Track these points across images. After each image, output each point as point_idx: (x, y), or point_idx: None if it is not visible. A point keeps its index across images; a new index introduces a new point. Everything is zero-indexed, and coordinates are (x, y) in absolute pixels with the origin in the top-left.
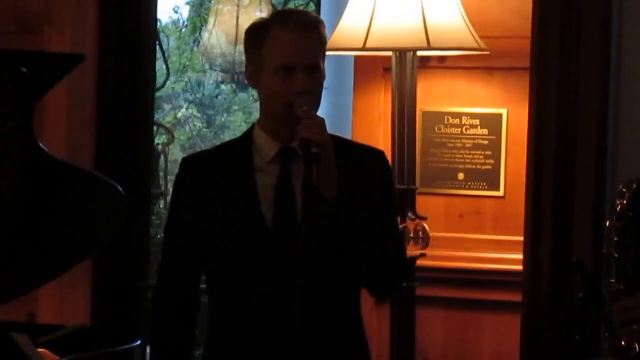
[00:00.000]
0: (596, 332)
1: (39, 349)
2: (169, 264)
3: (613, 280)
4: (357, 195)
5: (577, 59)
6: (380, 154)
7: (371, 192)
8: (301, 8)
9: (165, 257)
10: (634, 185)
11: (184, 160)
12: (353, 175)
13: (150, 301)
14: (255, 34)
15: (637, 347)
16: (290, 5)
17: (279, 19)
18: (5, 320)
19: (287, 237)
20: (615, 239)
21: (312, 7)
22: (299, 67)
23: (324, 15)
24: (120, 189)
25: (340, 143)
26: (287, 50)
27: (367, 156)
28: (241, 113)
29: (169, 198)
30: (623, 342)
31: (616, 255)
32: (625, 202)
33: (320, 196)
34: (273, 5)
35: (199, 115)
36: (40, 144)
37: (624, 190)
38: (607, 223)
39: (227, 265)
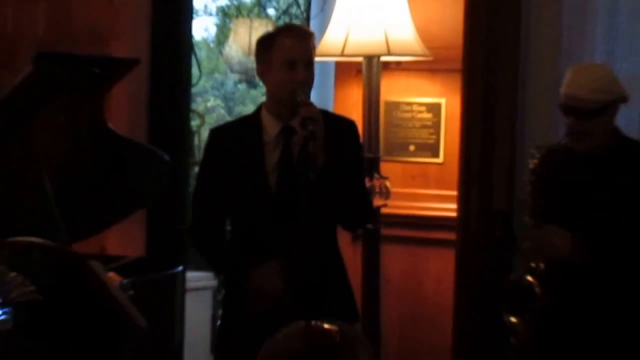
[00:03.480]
0: (510, 259)
1: (109, 273)
2: (197, 206)
3: (527, 217)
4: (337, 159)
5: (495, 63)
6: (352, 123)
7: (346, 154)
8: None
9: (194, 200)
10: (544, 150)
11: (211, 130)
12: (334, 141)
13: (186, 232)
14: (266, 41)
15: (542, 265)
16: None
17: (284, 29)
18: (84, 252)
19: (287, 190)
20: (529, 187)
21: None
22: (300, 62)
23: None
24: (166, 157)
25: (325, 114)
26: (291, 49)
27: (343, 124)
28: (252, 104)
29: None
30: (532, 263)
31: (530, 200)
32: (536, 161)
33: (313, 163)
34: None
35: (222, 105)
36: (109, 124)
37: (535, 153)
38: (523, 176)
39: (243, 211)
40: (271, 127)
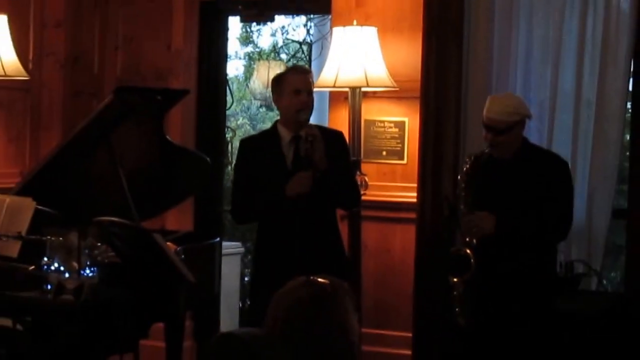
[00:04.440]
0: (454, 234)
1: (167, 242)
2: (236, 193)
3: (462, 207)
4: (334, 162)
5: (444, 92)
6: (340, 133)
7: (336, 155)
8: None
9: (234, 190)
10: (472, 158)
11: (241, 140)
12: (327, 145)
13: (230, 213)
14: (278, 78)
15: (474, 240)
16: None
17: (291, 69)
18: (150, 227)
19: None
20: (463, 185)
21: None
22: (303, 91)
23: (312, 69)
24: (208, 159)
25: (320, 128)
26: (297, 82)
27: (334, 136)
28: (270, 122)
29: (231, 166)
30: (467, 239)
31: (463, 194)
32: (468, 166)
33: (316, 166)
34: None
35: (248, 123)
36: (168, 136)
37: (467, 159)
38: (458, 177)
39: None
40: (285, 136)
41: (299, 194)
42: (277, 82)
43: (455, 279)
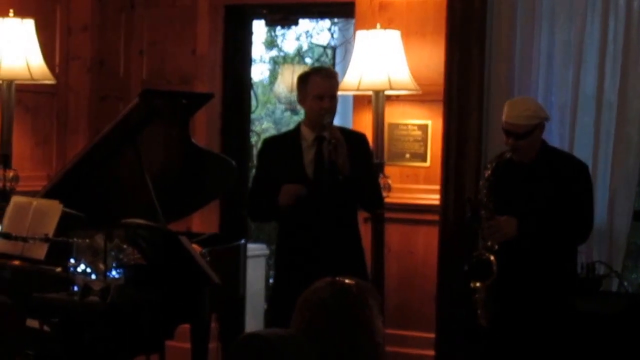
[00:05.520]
0: (477, 236)
1: (193, 244)
2: (252, 192)
3: (483, 212)
4: (357, 164)
5: (466, 97)
6: (363, 135)
7: (362, 159)
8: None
9: (251, 188)
10: (494, 163)
11: (264, 139)
12: (350, 147)
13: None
14: (303, 78)
15: (495, 245)
16: None
17: (316, 70)
18: (176, 229)
19: (320, 186)
20: (485, 191)
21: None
22: (325, 95)
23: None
24: (233, 162)
25: (343, 130)
26: (320, 87)
27: (358, 138)
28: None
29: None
30: (489, 243)
31: (485, 199)
32: (489, 172)
33: (339, 170)
34: None
35: (273, 127)
36: (193, 139)
37: (488, 165)
38: (480, 183)
39: None
40: (307, 136)
41: (289, 205)
42: (302, 82)
43: (477, 284)
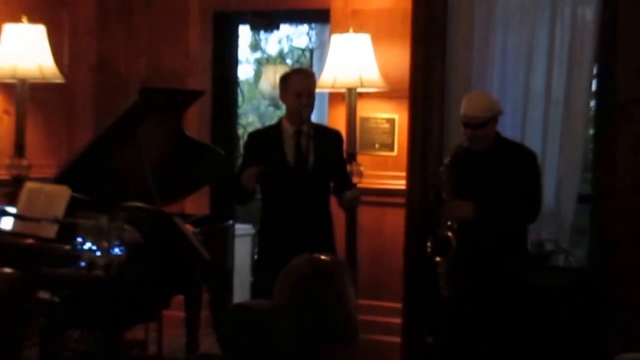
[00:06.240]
0: (438, 217)
1: (186, 225)
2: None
3: (444, 194)
4: (327, 154)
5: (429, 93)
6: (339, 133)
7: (334, 152)
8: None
9: (235, 176)
10: (453, 151)
11: (249, 133)
12: (325, 142)
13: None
14: (284, 77)
15: (455, 225)
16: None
17: (295, 70)
18: (171, 211)
19: (300, 173)
20: (445, 176)
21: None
22: (304, 93)
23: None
24: (222, 152)
25: (317, 126)
26: (299, 85)
27: (331, 134)
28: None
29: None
30: (449, 223)
31: (445, 183)
32: (449, 158)
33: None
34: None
35: (258, 120)
36: (186, 132)
37: (448, 153)
38: (440, 169)
39: (270, 183)
40: (288, 129)
41: (249, 185)
42: (283, 81)
43: (439, 259)
